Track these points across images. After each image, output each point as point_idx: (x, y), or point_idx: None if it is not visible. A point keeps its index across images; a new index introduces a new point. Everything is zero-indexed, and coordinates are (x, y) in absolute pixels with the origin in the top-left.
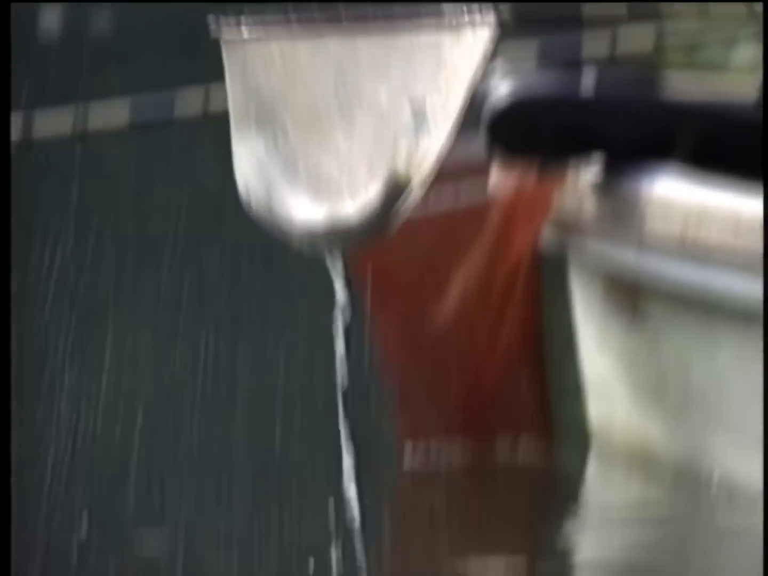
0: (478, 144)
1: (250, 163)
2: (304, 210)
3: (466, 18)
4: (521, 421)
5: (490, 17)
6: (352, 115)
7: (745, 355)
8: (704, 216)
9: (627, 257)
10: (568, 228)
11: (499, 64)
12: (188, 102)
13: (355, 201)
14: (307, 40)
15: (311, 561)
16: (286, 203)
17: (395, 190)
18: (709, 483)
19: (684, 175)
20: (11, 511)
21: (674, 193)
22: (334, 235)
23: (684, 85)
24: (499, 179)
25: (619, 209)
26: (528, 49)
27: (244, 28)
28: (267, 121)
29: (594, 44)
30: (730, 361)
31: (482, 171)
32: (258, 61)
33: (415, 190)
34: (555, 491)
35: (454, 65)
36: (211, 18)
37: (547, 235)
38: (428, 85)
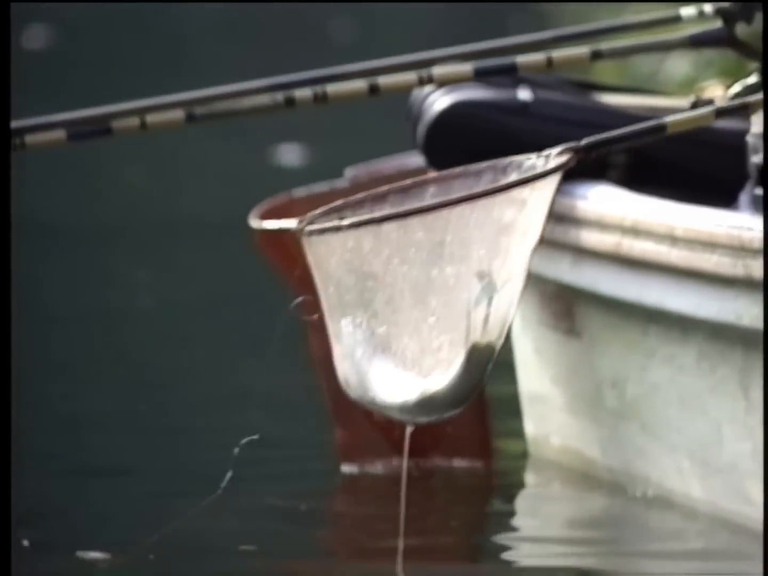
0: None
1: (347, 344)
2: (397, 388)
3: (534, 171)
4: (459, 438)
5: (558, 165)
6: (427, 297)
7: (679, 367)
8: (639, 229)
9: (563, 271)
10: None
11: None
12: None
13: (444, 376)
14: (393, 227)
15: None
16: (380, 381)
17: (478, 359)
18: (644, 493)
19: (618, 189)
20: (11, 510)
21: (609, 207)
22: (427, 409)
23: (617, 101)
24: None
25: (555, 223)
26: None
27: (329, 219)
28: (361, 305)
29: (529, 57)
30: (664, 374)
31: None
32: (344, 249)
33: (497, 354)
34: (491, 503)
35: (515, 225)
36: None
37: None
38: (492, 254)
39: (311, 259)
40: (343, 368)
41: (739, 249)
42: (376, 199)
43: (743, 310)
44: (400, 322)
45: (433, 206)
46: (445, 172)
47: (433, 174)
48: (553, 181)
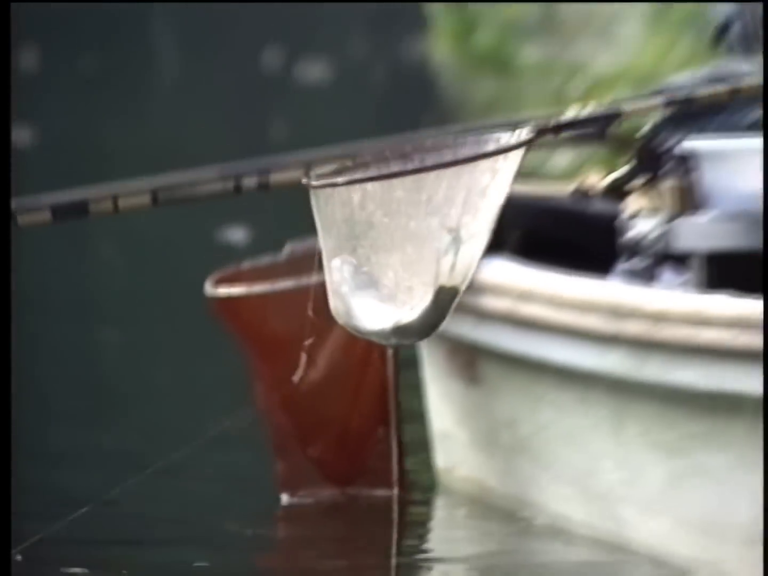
0: None
1: (336, 280)
2: (376, 317)
3: (500, 145)
4: (380, 470)
5: (520, 145)
6: (404, 245)
7: (564, 409)
8: (529, 295)
9: (466, 329)
10: None
11: None
12: None
13: (414, 310)
14: (377, 186)
15: None
16: (363, 313)
17: (444, 299)
18: (536, 519)
19: (512, 261)
20: (11, 509)
21: (504, 276)
22: (400, 335)
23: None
24: None
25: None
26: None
27: (331, 178)
28: (350, 248)
29: None
30: (551, 415)
31: None
32: (339, 202)
33: (460, 295)
34: (407, 526)
35: (487, 190)
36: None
37: None
38: (462, 211)
39: (315, 208)
40: (333, 300)
41: (613, 312)
42: (380, 161)
43: (616, 363)
44: (381, 264)
45: (410, 171)
46: (438, 141)
47: (429, 142)
48: (521, 153)
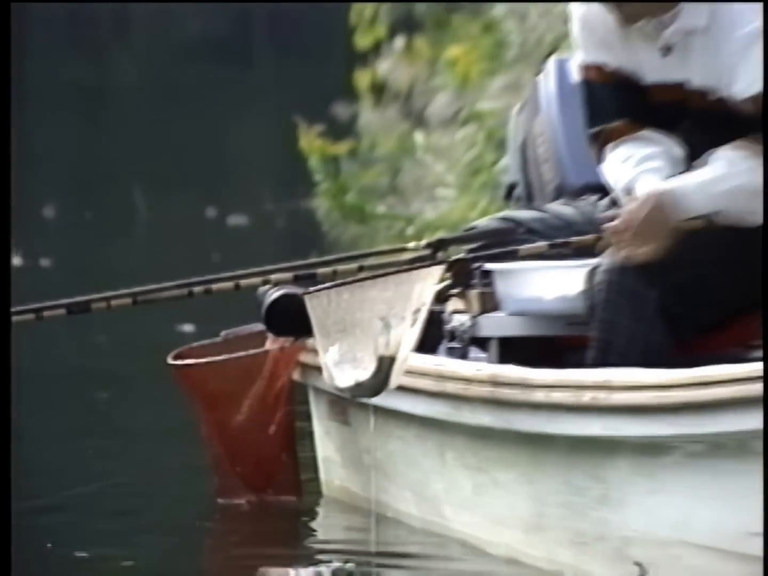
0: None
1: (326, 358)
2: (345, 378)
3: (425, 263)
4: (284, 483)
5: (441, 263)
6: (354, 329)
7: (405, 441)
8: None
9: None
10: (309, 371)
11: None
12: None
13: (367, 371)
14: (348, 292)
15: None
16: (338, 375)
17: (384, 364)
18: (386, 515)
19: None
20: (11, 508)
21: None
22: (359, 390)
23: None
24: (272, 343)
25: None
26: None
27: (325, 291)
28: (326, 336)
29: (322, 269)
30: (397, 446)
31: (263, 338)
32: (326, 304)
33: (398, 365)
34: (300, 523)
35: (411, 294)
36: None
37: (298, 374)
38: (392, 307)
39: (310, 311)
40: (326, 370)
41: (438, 376)
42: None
43: (440, 411)
44: (346, 343)
45: (349, 281)
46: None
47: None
48: (434, 272)
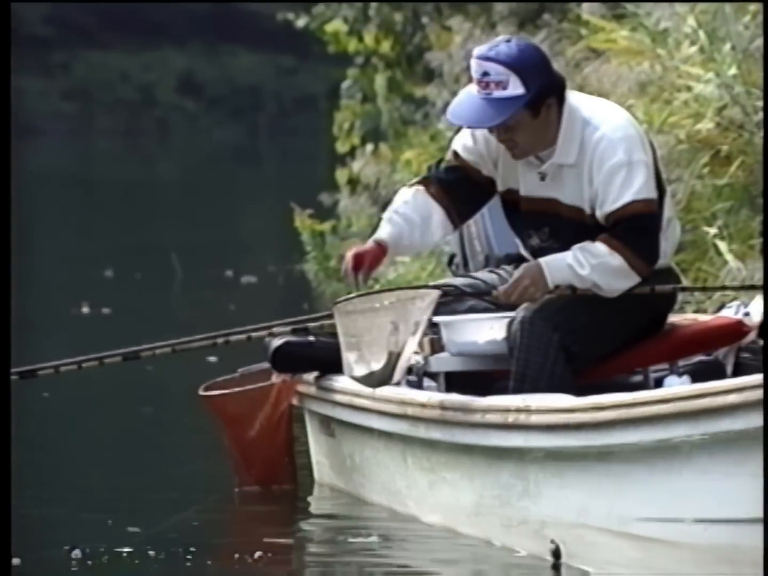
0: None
1: (347, 354)
2: (360, 369)
3: (423, 285)
4: (286, 478)
5: (436, 287)
6: (371, 331)
7: (377, 450)
8: (359, 393)
9: (327, 409)
10: (305, 398)
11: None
12: None
13: (378, 364)
14: (367, 301)
15: None
16: (355, 368)
17: (392, 360)
18: (363, 503)
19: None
20: (10, 507)
21: (347, 384)
22: (370, 379)
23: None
24: (276, 378)
25: (323, 393)
26: None
27: (351, 300)
28: (348, 341)
29: (313, 324)
30: (371, 453)
31: (269, 374)
32: (350, 316)
33: (401, 362)
34: (298, 509)
35: (414, 308)
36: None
37: (296, 400)
38: (400, 315)
39: (337, 318)
40: (346, 364)
41: (401, 402)
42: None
43: (403, 428)
44: (363, 342)
45: (365, 294)
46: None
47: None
48: (432, 294)
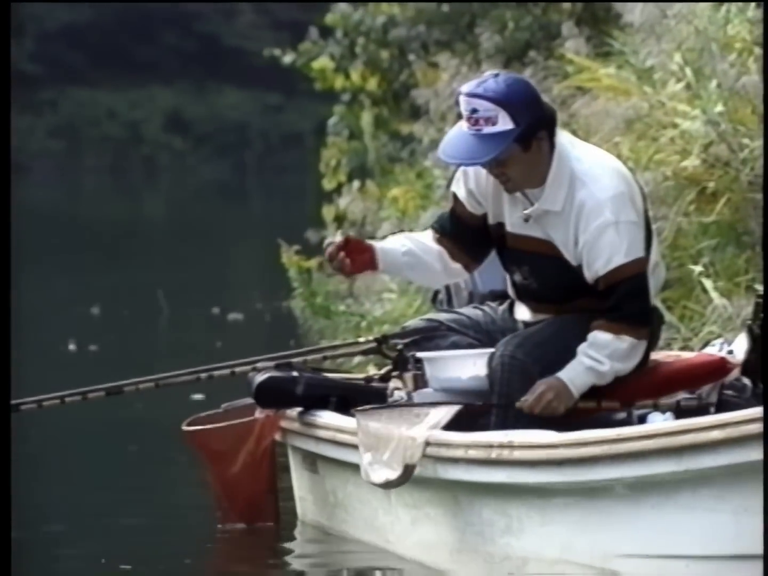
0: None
1: (363, 460)
2: (378, 476)
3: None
4: (268, 515)
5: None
6: (389, 441)
7: (359, 486)
8: (341, 430)
9: (311, 446)
10: (288, 433)
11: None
12: None
13: (395, 474)
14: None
15: None
16: (372, 473)
17: (408, 470)
18: (345, 539)
19: (335, 414)
20: (11, 508)
21: (329, 421)
22: (387, 485)
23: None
24: (260, 413)
25: (306, 429)
26: None
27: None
28: (366, 446)
29: (297, 359)
30: (353, 489)
31: (253, 409)
32: (371, 420)
33: (416, 466)
34: (281, 543)
35: (427, 418)
36: None
37: (279, 436)
38: (413, 426)
39: (359, 421)
40: (363, 469)
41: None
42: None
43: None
44: (379, 450)
45: (387, 406)
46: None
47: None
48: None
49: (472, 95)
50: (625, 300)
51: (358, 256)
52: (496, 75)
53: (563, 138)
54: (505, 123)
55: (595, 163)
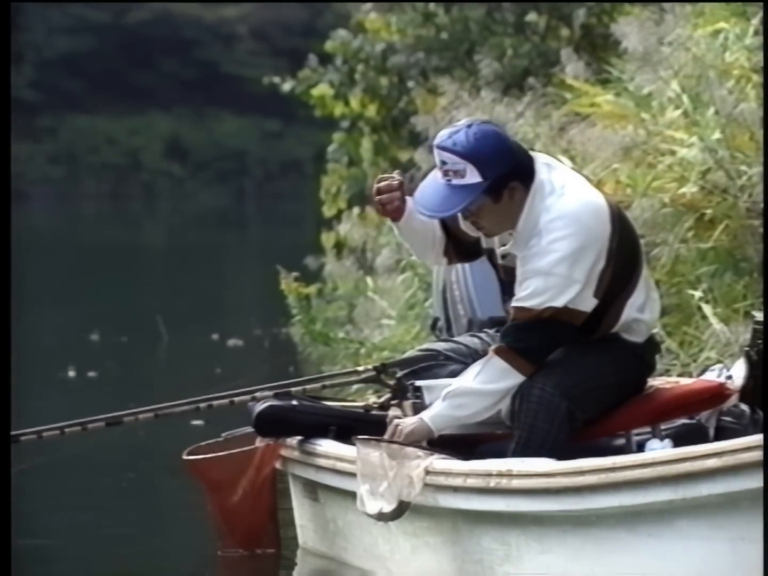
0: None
1: (361, 489)
2: (372, 506)
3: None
4: (270, 542)
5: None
6: (387, 475)
7: (360, 514)
8: (340, 458)
9: (311, 474)
10: (288, 461)
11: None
12: None
13: (390, 506)
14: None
15: None
16: (367, 504)
17: (403, 506)
18: (346, 567)
19: (335, 443)
20: (11, 510)
21: (329, 450)
22: (382, 517)
23: (331, 404)
24: (260, 442)
25: (306, 457)
26: None
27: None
28: (363, 480)
29: (294, 387)
30: (353, 517)
31: (253, 438)
32: (372, 452)
33: (411, 504)
34: (279, 570)
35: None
36: None
37: (280, 464)
38: (416, 478)
39: (359, 450)
40: (359, 497)
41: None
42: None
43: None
44: (377, 482)
45: (387, 441)
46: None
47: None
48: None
49: (441, 148)
50: (509, 332)
51: (392, 199)
52: (469, 126)
53: (541, 180)
54: (473, 176)
55: (560, 215)
